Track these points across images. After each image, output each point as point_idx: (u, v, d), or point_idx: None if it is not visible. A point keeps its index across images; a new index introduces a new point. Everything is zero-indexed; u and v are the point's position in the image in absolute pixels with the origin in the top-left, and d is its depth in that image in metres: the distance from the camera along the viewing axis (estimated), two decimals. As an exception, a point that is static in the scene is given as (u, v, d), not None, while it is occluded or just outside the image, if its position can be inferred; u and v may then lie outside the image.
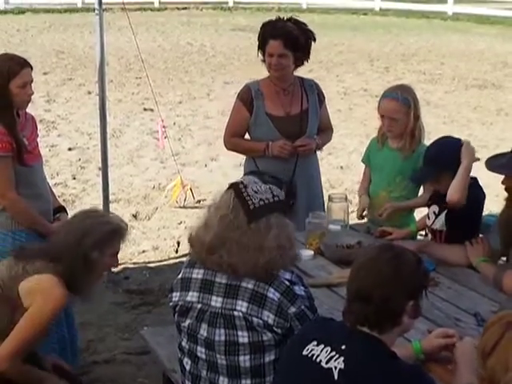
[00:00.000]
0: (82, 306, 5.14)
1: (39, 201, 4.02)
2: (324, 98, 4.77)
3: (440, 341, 2.84)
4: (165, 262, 6.30)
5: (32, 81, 3.96)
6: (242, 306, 2.70)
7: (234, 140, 4.72)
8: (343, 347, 2.35)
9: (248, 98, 4.63)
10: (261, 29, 4.57)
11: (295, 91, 4.64)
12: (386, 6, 25.21)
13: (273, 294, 2.69)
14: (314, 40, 4.53)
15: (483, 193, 4.03)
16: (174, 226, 7.08)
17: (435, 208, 4.09)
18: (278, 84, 4.60)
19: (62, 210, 4.28)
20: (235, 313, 2.71)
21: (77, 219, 3.43)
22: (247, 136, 4.75)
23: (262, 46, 4.52)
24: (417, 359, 2.80)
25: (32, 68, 3.99)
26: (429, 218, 4.14)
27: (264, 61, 4.55)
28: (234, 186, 2.76)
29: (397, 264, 2.41)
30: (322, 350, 2.39)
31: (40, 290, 3.16)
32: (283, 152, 4.50)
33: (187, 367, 2.87)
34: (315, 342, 2.42)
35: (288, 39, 4.39)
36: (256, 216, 2.70)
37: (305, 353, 2.42)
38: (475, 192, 3.96)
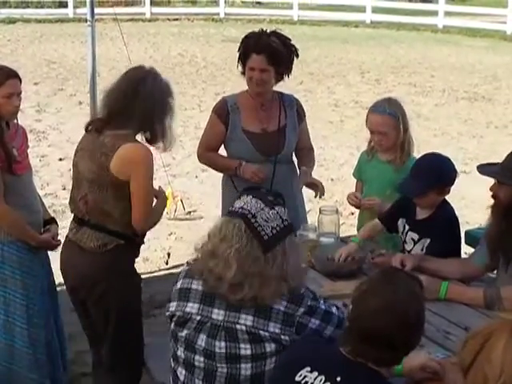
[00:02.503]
0: (70, 317, 5.12)
1: (28, 211, 3.99)
2: (304, 115, 4.62)
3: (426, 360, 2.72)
4: (155, 274, 6.29)
5: (20, 92, 3.93)
6: (246, 319, 2.69)
7: (207, 155, 4.59)
8: (338, 379, 2.28)
9: (224, 111, 4.47)
10: (243, 41, 4.44)
11: (273, 107, 4.49)
12: (377, 18, 25.30)
13: (278, 304, 2.69)
14: (297, 56, 4.43)
15: (453, 211, 4.07)
16: (164, 237, 7.07)
17: (413, 235, 4.07)
18: (257, 99, 4.46)
19: (52, 222, 4.24)
20: (238, 326, 2.70)
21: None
22: (223, 151, 4.62)
23: (243, 59, 4.39)
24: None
25: (21, 80, 3.96)
26: (406, 242, 4.13)
27: (243, 73, 4.43)
28: (242, 218, 2.70)
29: (414, 307, 2.35)
30: (315, 379, 2.33)
31: (129, 161, 3.49)
32: (254, 178, 4.33)
33: (181, 377, 2.86)
34: (309, 368, 2.36)
35: (271, 55, 4.27)
36: (270, 246, 2.69)
37: (297, 379, 2.36)
38: (449, 216, 4.02)
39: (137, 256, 3.85)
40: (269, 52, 4.27)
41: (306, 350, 2.53)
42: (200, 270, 2.77)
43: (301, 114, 4.60)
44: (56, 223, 4.26)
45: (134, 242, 3.72)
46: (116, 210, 3.57)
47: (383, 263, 3.99)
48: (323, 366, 2.36)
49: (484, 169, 3.64)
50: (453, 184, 4.01)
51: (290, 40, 4.43)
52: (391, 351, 2.32)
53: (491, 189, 3.57)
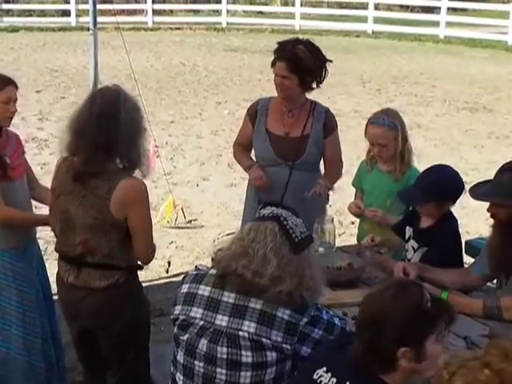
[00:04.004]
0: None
1: None
2: (333, 129, 4.63)
3: None
4: (155, 282, 6.28)
5: (16, 99, 3.97)
6: (249, 326, 2.71)
7: (236, 150, 4.82)
8: (348, 383, 2.36)
9: (253, 111, 4.65)
10: (275, 48, 4.53)
11: (301, 114, 4.57)
12: (378, 28, 25.35)
13: (282, 312, 2.71)
14: (326, 68, 4.46)
15: (457, 224, 4.10)
16: (164, 245, 7.07)
17: (414, 243, 4.10)
18: (285, 104, 4.57)
19: None
20: (240, 333, 2.71)
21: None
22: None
23: (273, 65, 4.51)
24: None
25: (17, 87, 4.01)
26: (407, 251, 4.15)
27: None
28: (275, 219, 2.79)
29: (386, 307, 2.36)
30: (329, 380, 2.39)
31: (128, 200, 3.36)
32: (256, 182, 4.54)
33: (180, 383, 2.86)
34: (325, 368, 2.43)
35: (292, 62, 4.35)
36: (300, 249, 2.78)
37: (315, 377, 2.43)
38: (450, 229, 4.05)
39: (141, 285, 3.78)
40: (289, 60, 4.36)
41: (325, 350, 2.60)
42: (229, 266, 2.76)
43: (329, 127, 4.61)
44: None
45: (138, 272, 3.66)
46: (121, 249, 3.46)
47: (379, 264, 4.04)
48: (337, 370, 2.42)
49: (476, 192, 3.63)
50: (454, 201, 4.01)
51: (319, 50, 4.47)
52: (366, 347, 2.37)
53: (489, 210, 3.57)
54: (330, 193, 4.76)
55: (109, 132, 3.33)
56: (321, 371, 2.43)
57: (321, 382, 2.40)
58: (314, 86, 4.52)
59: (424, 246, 4.03)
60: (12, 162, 3.96)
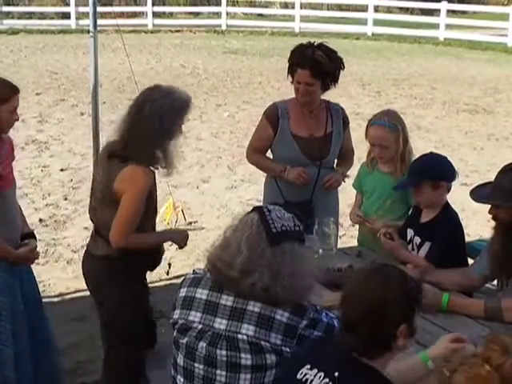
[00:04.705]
0: (71, 326, 5.13)
1: (8, 227, 3.93)
2: (348, 122, 4.83)
3: (450, 344, 2.77)
4: (156, 284, 6.27)
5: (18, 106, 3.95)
6: (248, 329, 2.70)
7: (256, 156, 4.83)
8: (336, 374, 2.34)
9: (274, 116, 4.67)
10: (290, 54, 4.56)
11: (321, 114, 4.69)
12: (378, 30, 25.35)
13: (281, 315, 2.70)
14: (343, 67, 4.55)
15: (457, 217, 4.15)
16: (165, 247, 7.04)
17: (417, 239, 4.12)
18: (305, 107, 4.64)
19: (30, 236, 4.16)
20: (239, 336, 2.71)
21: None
22: (269, 153, 4.83)
23: (290, 71, 4.54)
24: (427, 368, 2.74)
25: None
26: (413, 250, 4.17)
27: (292, 82, 4.57)
28: (258, 209, 2.81)
29: (382, 292, 2.38)
30: (315, 376, 2.38)
31: (126, 179, 3.72)
32: (299, 179, 4.56)
33: (180, 386, 2.87)
34: (309, 366, 2.42)
35: (316, 69, 4.41)
36: (276, 240, 2.72)
37: (299, 376, 2.42)
38: (451, 220, 4.08)
39: (148, 268, 4.14)
40: (313, 66, 4.41)
41: (305, 348, 2.58)
42: (211, 261, 2.80)
43: (346, 122, 4.79)
44: (34, 237, 4.19)
45: (142, 254, 3.89)
46: None
47: (391, 250, 4.13)
48: (323, 364, 2.41)
49: (477, 194, 3.65)
50: (447, 179, 4.07)
51: (335, 52, 4.54)
52: (359, 338, 2.38)
53: (490, 212, 3.58)
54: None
55: (149, 123, 3.72)
56: (304, 369, 2.42)
57: (306, 380, 2.40)
58: (332, 86, 4.60)
59: (427, 240, 4.05)
60: (3, 169, 3.86)
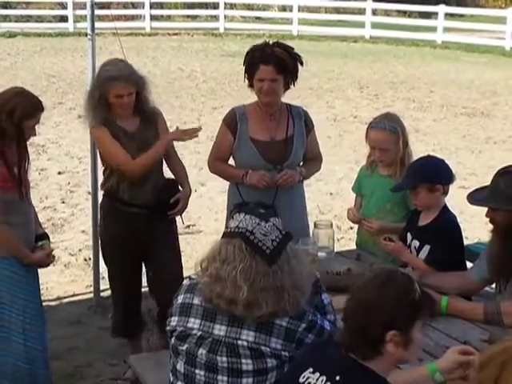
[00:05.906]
0: (68, 330, 5.11)
1: (26, 230, 3.99)
2: (313, 126, 4.68)
3: (457, 357, 2.70)
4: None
5: None
6: (248, 335, 2.68)
7: (216, 164, 4.70)
8: (337, 378, 2.33)
9: (233, 121, 4.57)
10: (248, 54, 4.50)
11: (282, 117, 4.57)
12: (376, 33, 25.38)
13: (280, 319, 2.69)
14: (302, 64, 4.49)
15: (456, 219, 4.16)
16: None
17: (416, 243, 4.11)
18: (266, 109, 4.53)
19: (44, 237, 4.20)
20: (239, 342, 2.69)
21: None
22: (232, 161, 4.71)
23: (250, 72, 4.46)
24: (434, 380, 2.69)
25: None
26: (411, 253, 4.15)
27: (251, 86, 4.49)
28: (241, 237, 2.70)
29: (378, 293, 2.37)
30: (317, 379, 2.37)
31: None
32: (261, 183, 4.42)
33: (180, 391, 2.85)
34: (311, 369, 2.41)
35: (279, 65, 4.35)
36: (274, 258, 2.68)
37: (301, 380, 2.40)
38: (450, 223, 4.08)
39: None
40: (276, 62, 4.35)
41: (308, 351, 2.57)
42: (208, 295, 2.74)
43: (309, 125, 4.66)
44: (48, 238, 4.24)
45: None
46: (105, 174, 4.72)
47: (392, 251, 4.10)
48: (324, 367, 2.40)
49: (474, 198, 3.64)
50: (443, 182, 4.06)
51: (292, 49, 4.49)
52: (351, 334, 2.38)
53: (487, 215, 3.57)
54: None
55: None
56: (307, 373, 2.41)
57: (309, 383, 2.39)
58: (292, 86, 4.52)
59: (425, 243, 4.04)
60: (24, 173, 3.95)
